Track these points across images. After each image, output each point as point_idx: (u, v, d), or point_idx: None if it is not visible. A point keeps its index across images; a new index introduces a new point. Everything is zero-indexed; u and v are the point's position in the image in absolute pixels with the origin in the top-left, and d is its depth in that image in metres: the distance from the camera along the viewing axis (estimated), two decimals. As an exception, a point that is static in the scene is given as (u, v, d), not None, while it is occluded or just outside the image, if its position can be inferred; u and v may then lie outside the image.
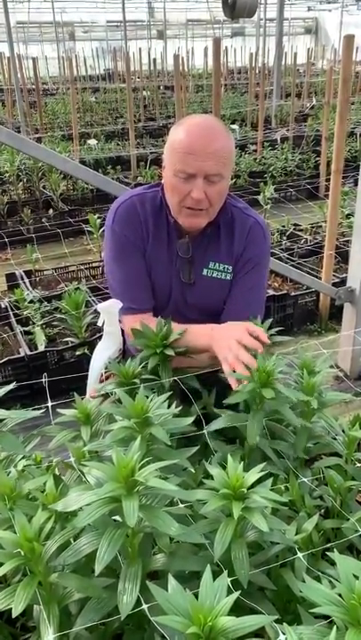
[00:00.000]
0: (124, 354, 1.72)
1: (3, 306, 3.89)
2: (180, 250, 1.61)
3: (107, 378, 1.48)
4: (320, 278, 3.94)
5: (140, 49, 15.71)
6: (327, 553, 1.01)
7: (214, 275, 1.62)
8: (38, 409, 1.21)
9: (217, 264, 1.62)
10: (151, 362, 1.38)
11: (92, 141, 8.36)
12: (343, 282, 3.72)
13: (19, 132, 9.15)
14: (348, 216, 5.12)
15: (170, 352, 1.38)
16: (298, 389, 1.28)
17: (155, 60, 14.35)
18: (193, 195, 1.47)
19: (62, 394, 3.23)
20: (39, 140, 8.49)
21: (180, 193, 1.50)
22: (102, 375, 1.51)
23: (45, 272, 4.49)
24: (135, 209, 1.62)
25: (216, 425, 1.21)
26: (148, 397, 1.10)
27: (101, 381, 1.49)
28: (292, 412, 1.21)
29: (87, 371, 1.63)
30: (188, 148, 1.45)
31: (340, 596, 0.75)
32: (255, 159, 7.80)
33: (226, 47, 16.78)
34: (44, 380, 1.55)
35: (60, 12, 19.61)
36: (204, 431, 1.23)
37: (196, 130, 1.47)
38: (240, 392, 1.17)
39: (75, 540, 0.91)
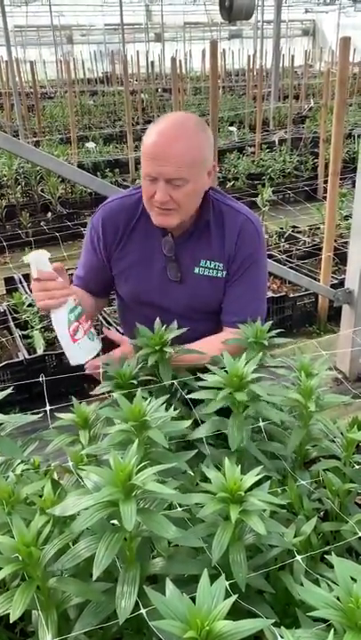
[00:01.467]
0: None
1: (1, 310, 3.90)
2: (164, 248, 1.63)
3: (75, 330, 1.45)
4: (318, 280, 3.95)
5: (137, 52, 15.77)
6: (326, 556, 1.01)
7: (206, 273, 1.63)
8: (36, 413, 1.21)
9: (208, 262, 1.63)
10: (150, 359, 1.38)
11: (91, 144, 8.38)
12: (342, 283, 3.73)
13: (17, 135, 9.17)
14: (346, 218, 5.13)
15: (169, 349, 1.39)
16: (296, 391, 1.28)
17: (152, 62, 14.40)
18: (155, 197, 1.49)
19: (61, 397, 3.22)
20: (37, 143, 8.50)
21: (148, 194, 1.53)
22: (70, 328, 1.45)
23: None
24: (114, 214, 1.68)
25: (200, 432, 1.20)
26: (145, 399, 1.10)
27: (72, 335, 1.45)
28: (276, 412, 1.21)
29: (85, 373, 1.62)
30: (150, 152, 1.47)
31: (338, 599, 0.75)
32: (253, 161, 7.82)
33: (223, 49, 16.82)
34: (41, 379, 1.55)
35: (57, 15, 19.63)
36: (195, 437, 1.22)
37: (159, 133, 1.47)
38: (214, 400, 1.17)
39: (73, 545, 0.91)
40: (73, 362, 1.50)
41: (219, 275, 1.63)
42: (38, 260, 1.43)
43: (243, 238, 1.61)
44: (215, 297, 1.66)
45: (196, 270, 1.64)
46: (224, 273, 1.63)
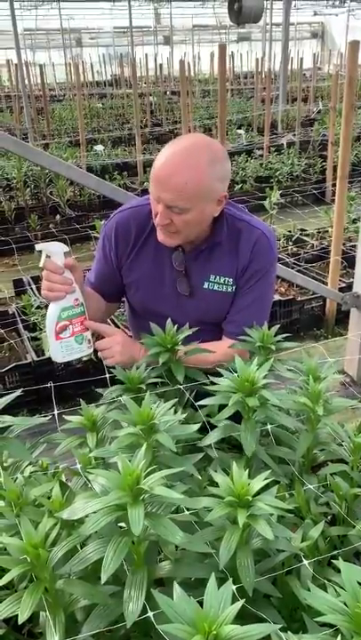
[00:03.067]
0: None
1: (10, 312, 3.92)
2: (174, 262, 1.63)
3: (61, 329, 1.46)
4: (326, 283, 3.94)
5: (146, 55, 15.83)
6: (333, 560, 1.01)
7: (215, 288, 1.64)
8: (45, 416, 1.22)
9: (218, 277, 1.63)
10: (162, 357, 1.39)
11: (99, 147, 8.40)
12: (350, 287, 3.72)
13: (26, 138, 9.22)
14: (354, 221, 5.12)
15: (181, 347, 1.41)
16: (304, 395, 1.28)
17: (161, 65, 14.44)
18: (156, 219, 1.51)
19: (68, 399, 3.25)
20: (46, 146, 8.54)
21: (153, 212, 1.54)
22: (57, 325, 1.46)
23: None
24: (127, 223, 1.67)
25: (211, 437, 1.21)
26: (154, 403, 1.10)
27: (57, 332, 1.46)
28: (287, 418, 1.21)
29: (93, 376, 1.63)
30: (155, 175, 1.47)
31: (345, 604, 0.75)
32: (261, 164, 7.82)
33: (232, 52, 16.85)
34: (49, 385, 1.56)
35: (67, 18, 19.74)
36: (206, 442, 1.22)
37: (167, 159, 1.47)
38: (228, 406, 1.17)
39: (81, 547, 0.91)
40: (52, 357, 1.52)
41: (228, 290, 1.64)
42: (49, 251, 1.44)
43: (257, 252, 1.62)
44: (224, 311, 1.67)
45: (206, 285, 1.64)
46: (233, 288, 1.64)
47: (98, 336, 1.65)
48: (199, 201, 1.48)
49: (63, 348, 1.47)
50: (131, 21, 15.93)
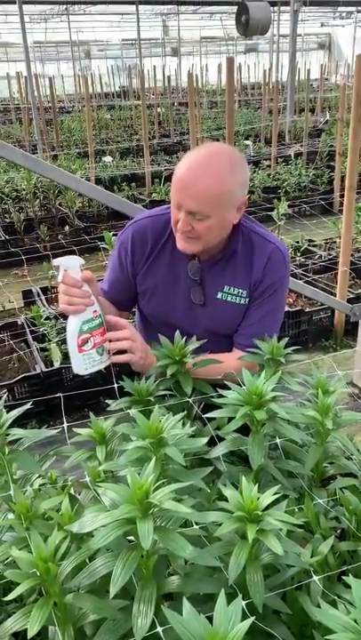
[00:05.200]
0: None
1: (19, 322, 3.93)
2: (190, 271, 1.64)
3: (83, 341, 1.47)
4: (335, 294, 3.93)
5: (154, 66, 15.95)
6: (343, 577, 1.00)
7: (228, 299, 1.64)
8: (54, 428, 1.22)
9: (232, 288, 1.64)
10: (170, 369, 1.39)
11: (108, 158, 8.46)
12: (358, 298, 3.72)
13: (35, 149, 9.30)
14: (362, 231, 5.11)
15: (189, 360, 1.41)
16: (313, 409, 1.27)
17: (169, 77, 14.53)
18: (178, 225, 1.52)
19: (77, 410, 3.24)
20: (55, 157, 8.60)
21: (173, 219, 1.55)
22: (79, 338, 1.46)
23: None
24: (143, 232, 1.69)
25: (218, 450, 1.20)
26: (163, 416, 1.10)
27: (79, 345, 1.46)
28: (295, 431, 1.20)
29: (102, 386, 1.63)
30: (177, 182, 1.49)
31: (355, 621, 0.74)
32: (269, 175, 7.84)
33: (239, 63, 16.94)
34: (59, 395, 1.56)
35: (76, 31, 19.93)
36: (213, 455, 1.22)
37: (190, 165, 1.48)
38: (234, 419, 1.16)
39: (90, 561, 0.91)
40: (74, 370, 1.52)
41: (241, 302, 1.65)
42: (66, 265, 1.45)
43: (270, 266, 1.63)
44: (235, 322, 1.67)
45: (220, 295, 1.65)
46: (247, 300, 1.65)
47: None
48: (221, 207, 1.49)
49: (86, 361, 1.48)
50: (139, 33, 16.07)
